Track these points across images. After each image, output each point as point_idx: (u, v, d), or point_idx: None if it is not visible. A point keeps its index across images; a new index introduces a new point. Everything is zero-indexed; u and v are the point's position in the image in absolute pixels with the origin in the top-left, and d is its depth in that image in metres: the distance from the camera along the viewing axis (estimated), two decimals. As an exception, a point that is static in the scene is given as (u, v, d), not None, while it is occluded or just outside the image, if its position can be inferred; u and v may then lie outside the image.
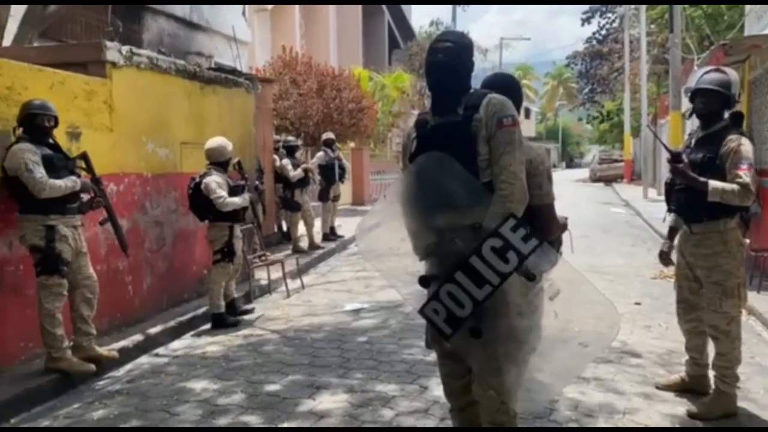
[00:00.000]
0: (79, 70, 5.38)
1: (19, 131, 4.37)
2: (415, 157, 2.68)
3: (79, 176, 4.58)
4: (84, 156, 4.73)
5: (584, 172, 39.27)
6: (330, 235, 10.93)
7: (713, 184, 3.55)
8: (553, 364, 2.71)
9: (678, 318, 4.08)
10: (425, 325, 2.79)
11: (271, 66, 16.20)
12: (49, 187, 4.23)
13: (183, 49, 13.67)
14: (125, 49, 5.80)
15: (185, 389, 4.41)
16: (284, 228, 10.44)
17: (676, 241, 4.07)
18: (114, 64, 5.62)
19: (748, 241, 4.14)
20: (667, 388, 4.11)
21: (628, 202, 18.21)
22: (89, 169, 4.75)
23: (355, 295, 7.25)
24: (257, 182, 7.71)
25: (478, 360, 2.59)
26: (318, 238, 10.41)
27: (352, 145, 18.01)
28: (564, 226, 3.00)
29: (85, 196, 4.65)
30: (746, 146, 3.61)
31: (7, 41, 7.43)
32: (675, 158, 3.72)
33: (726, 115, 3.79)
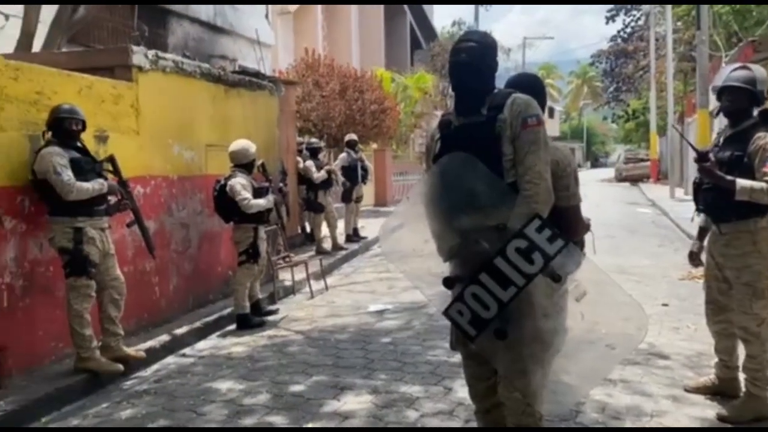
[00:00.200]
0: (106, 74, 5.46)
1: (48, 135, 4.45)
2: (439, 157, 2.67)
3: (106, 179, 4.65)
4: (111, 159, 4.80)
5: (609, 172, 38.83)
6: (353, 236, 10.95)
7: (741, 182, 3.49)
8: (579, 365, 2.68)
9: (707, 319, 4.01)
10: (449, 327, 2.78)
11: (294, 68, 16.29)
12: (77, 190, 4.30)
13: (207, 52, 13.81)
14: (151, 53, 5.88)
15: (211, 389, 4.45)
16: (308, 229, 10.49)
17: (705, 242, 4.01)
18: (140, 68, 5.70)
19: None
20: (696, 390, 4.05)
21: (655, 202, 17.97)
22: (116, 171, 4.82)
23: (379, 296, 7.25)
24: (281, 184, 7.76)
25: (504, 361, 2.58)
26: (341, 239, 10.43)
27: (374, 146, 18.03)
28: (587, 227, 2.97)
29: (112, 199, 4.72)
30: None
31: (37, 47, 7.57)
32: (701, 157, 3.67)
33: (755, 112, 3.72)
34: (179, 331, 5.64)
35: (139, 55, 5.70)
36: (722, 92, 3.75)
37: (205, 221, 6.63)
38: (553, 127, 54.38)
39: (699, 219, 4.00)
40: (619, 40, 31.40)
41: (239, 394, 4.32)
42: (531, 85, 2.89)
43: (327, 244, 9.93)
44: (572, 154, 3.04)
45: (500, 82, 2.83)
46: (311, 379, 4.55)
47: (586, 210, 2.99)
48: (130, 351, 4.84)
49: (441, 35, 34.77)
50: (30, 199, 4.47)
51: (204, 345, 5.63)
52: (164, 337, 5.43)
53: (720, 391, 3.95)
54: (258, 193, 6.10)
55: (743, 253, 3.64)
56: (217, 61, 13.11)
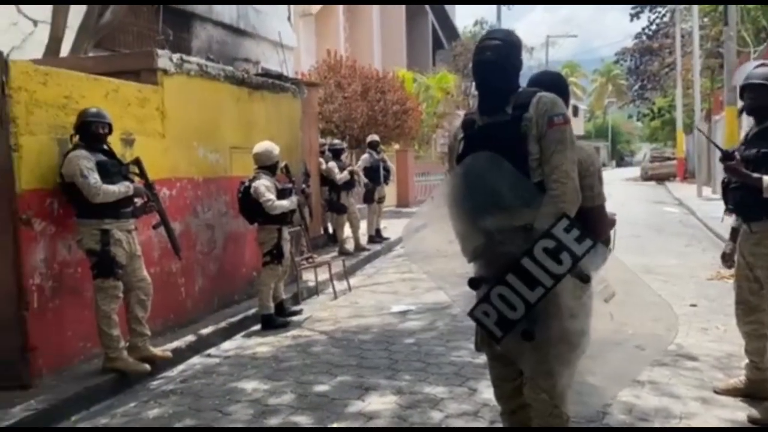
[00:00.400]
0: (132, 78, 5.53)
1: (76, 138, 4.52)
2: (463, 157, 2.65)
3: (132, 181, 4.71)
4: (137, 161, 4.86)
5: (635, 171, 38.38)
6: (375, 237, 10.96)
7: None
8: (606, 366, 2.65)
9: (737, 320, 3.94)
10: (474, 328, 2.77)
11: (316, 70, 16.36)
12: (103, 193, 4.36)
13: (231, 55, 13.94)
14: (176, 56, 5.95)
15: (236, 389, 4.48)
16: (330, 230, 10.52)
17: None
18: (165, 72, 5.76)
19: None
20: (725, 392, 3.98)
21: (682, 201, 17.70)
22: (142, 174, 4.87)
23: (402, 296, 7.25)
24: (303, 185, 7.79)
25: (530, 363, 2.56)
26: (364, 240, 10.45)
27: (396, 146, 18.02)
28: (612, 223, 2.94)
29: (138, 201, 4.78)
30: None
31: (64, 52, 7.71)
32: (726, 156, 3.66)
33: None
34: (205, 331, 5.69)
35: (164, 59, 5.76)
36: (744, 90, 3.74)
37: (229, 222, 6.68)
38: (577, 126, 53.88)
39: (731, 219, 3.94)
40: (644, 38, 30.96)
41: (264, 394, 4.34)
42: (554, 83, 2.87)
43: (350, 245, 9.95)
44: (597, 153, 3.01)
45: (523, 81, 2.81)
46: (335, 380, 4.56)
47: (611, 208, 2.95)
48: (157, 351, 4.89)
49: (463, 35, 34.65)
50: (59, 201, 4.54)
51: (229, 345, 5.67)
52: (190, 338, 5.48)
53: (750, 392, 3.88)
54: (282, 194, 6.14)
55: (774, 252, 3.57)
56: (241, 64, 13.22)
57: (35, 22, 9.00)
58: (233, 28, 14.28)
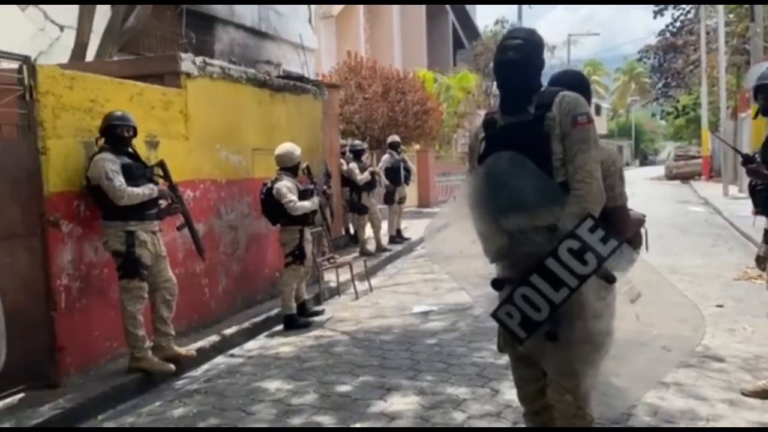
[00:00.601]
0: (156, 81, 5.61)
1: (101, 141, 4.59)
2: (484, 157, 2.64)
3: (156, 183, 4.77)
4: (161, 164, 4.92)
5: (659, 170, 37.89)
6: (396, 237, 10.96)
7: None
8: (631, 368, 2.62)
9: None
10: (496, 328, 2.75)
11: (337, 71, 16.42)
12: (128, 195, 4.43)
13: (253, 57, 14.04)
14: (199, 59, 6.01)
15: (260, 389, 4.52)
16: (351, 231, 10.54)
17: None
18: (188, 75, 5.83)
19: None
20: (753, 394, 3.91)
21: (707, 200, 17.44)
22: (166, 176, 4.93)
23: (423, 297, 7.24)
24: (324, 186, 7.82)
25: (553, 364, 2.54)
26: (385, 240, 10.46)
27: (417, 147, 18.01)
28: (640, 222, 2.91)
29: (162, 203, 4.84)
30: None
31: (90, 56, 7.83)
32: (747, 160, 3.67)
33: None
34: (228, 331, 5.74)
35: (188, 62, 5.83)
36: (758, 91, 3.74)
37: (252, 223, 6.74)
38: (600, 125, 53.38)
39: (764, 221, 3.90)
40: (667, 35, 30.55)
41: (287, 394, 4.37)
42: (575, 82, 2.84)
43: (371, 246, 9.96)
44: (620, 152, 2.99)
45: (544, 80, 2.79)
46: (358, 380, 4.57)
47: (636, 208, 2.92)
48: (181, 350, 4.95)
49: (484, 34, 34.50)
50: (85, 203, 4.62)
51: (252, 345, 5.71)
52: (214, 338, 5.54)
53: (780, 395, 3.82)
54: (303, 195, 6.17)
55: (804, 253, 3.52)
56: (262, 66, 13.33)
57: (62, 27, 9.16)
58: (255, 30, 14.39)
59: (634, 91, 60.17)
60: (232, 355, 5.43)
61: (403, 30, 25.94)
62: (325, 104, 9.03)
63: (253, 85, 6.89)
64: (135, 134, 4.70)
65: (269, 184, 6.15)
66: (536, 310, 2.37)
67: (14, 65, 4.27)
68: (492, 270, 2.63)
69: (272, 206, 6.12)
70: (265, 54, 14.77)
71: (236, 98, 6.57)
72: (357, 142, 11.41)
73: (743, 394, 3.96)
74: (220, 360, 5.31)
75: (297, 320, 6.19)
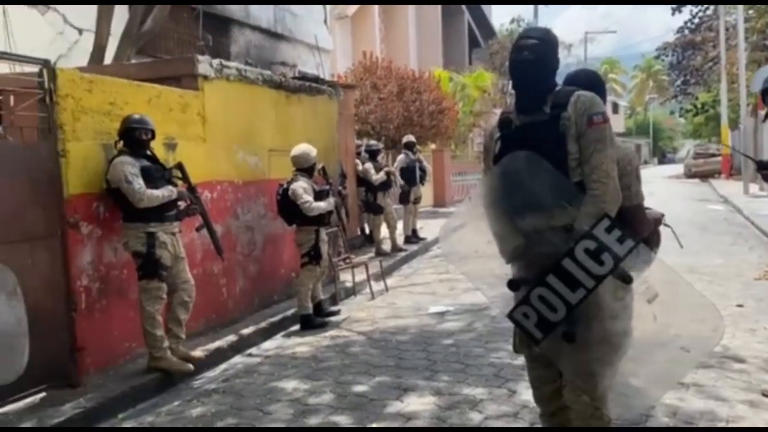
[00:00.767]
0: (173, 83, 5.66)
1: (120, 144, 4.65)
2: (500, 157, 2.64)
3: (175, 185, 4.82)
4: (180, 166, 4.97)
5: (678, 168, 37.49)
6: (412, 237, 10.95)
7: None
8: (649, 368, 2.61)
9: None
10: (512, 329, 2.75)
11: (352, 72, 16.45)
12: (147, 197, 4.47)
13: (268, 59, 14.12)
14: (215, 62, 6.06)
15: (277, 388, 4.54)
16: (367, 231, 10.55)
17: None
18: (206, 77, 5.87)
19: None
20: (775, 396, 3.87)
21: (727, 199, 17.23)
22: (185, 178, 4.97)
23: (440, 297, 7.23)
24: (340, 186, 7.84)
25: (570, 364, 2.53)
26: (400, 240, 10.46)
27: (432, 146, 17.99)
28: (658, 221, 2.88)
29: (181, 204, 4.89)
30: None
31: (108, 59, 7.92)
32: (761, 165, 3.67)
33: None
34: (245, 331, 5.78)
35: (205, 65, 5.87)
36: (765, 95, 3.71)
37: (268, 224, 6.77)
38: (617, 123, 52.93)
39: None
40: (686, 32, 30.23)
41: (304, 394, 4.39)
42: (590, 81, 2.82)
43: (386, 246, 9.97)
44: (638, 150, 2.97)
45: (559, 79, 2.78)
46: (374, 380, 4.58)
47: (655, 207, 2.90)
48: (195, 352, 4.98)
49: (500, 33, 34.39)
50: (104, 205, 4.68)
51: (269, 345, 5.75)
52: (231, 337, 5.58)
53: (802, 396, 3.77)
54: (319, 196, 6.20)
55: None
56: (278, 68, 13.38)
57: (80, 31, 9.28)
58: (270, 32, 14.46)
59: (652, 88, 59.62)
60: (249, 355, 5.47)
61: (419, 30, 25.91)
62: (340, 105, 9.05)
63: (269, 86, 6.92)
64: (153, 137, 4.75)
65: (285, 185, 6.18)
66: (552, 310, 2.36)
67: (34, 69, 4.33)
68: (508, 270, 2.63)
69: (288, 207, 6.15)
70: (280, 55, 14.84)
71: (252, 100, 6.61)
72: (372, 142, 11.42)
73: (764, 394, 3.92)
74: (238, 360, 5.34)
75: (313, 320, 6.21)
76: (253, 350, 5.59)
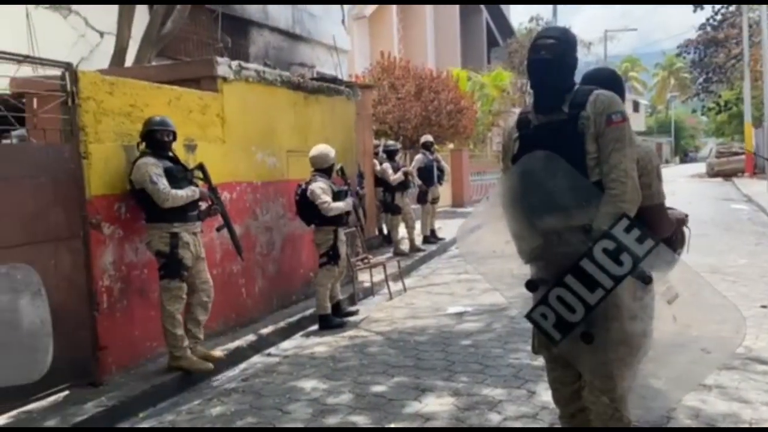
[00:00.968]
0: (192, 85, 5.71)
1: (142, 146, 4.70)
2: (518, 157, 2.63)
3: (197, 186, 4.86)
4: (201, 167, 5.01)
5: (700, 167, 37.01)
6: (430, 237, 10.93)
7: None
8: (669, 370, 2.58)
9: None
10: (531, 329, 2.73)
11: (370, 72, 16.47)
12: (172, 197, 4.52)
13: (287, 60, 14.20)
14: (234, 63, 6.10)
15: (296, 388, 4.56)
16: (385, 231, 10.56)
17: None
18: (225, 79, 5.92)
19: None
20: (800, 398, 3.80)
21: (751, 198, 16.96)
22: (206, 178, 5.01)
23: (458, 298, 7.21)
24: (358, 187, 7.85)
25: (589, 365, 2.51)
26: (419, 240, 10.44)
27: (451, 146, 17.94)
28: (681, 222, 2.85)
29: (203, 204, 4.93)
30: None
31: (129, 62, 8.02)
32: None
33: None
34: (264, 330, 5.82)
35: (224, 66, 5.92)
36: None
37: (287, 224, 6.81)
38: (638, 122, 52.45)
39: None
40: (708, 29, 29.82)
41: (323, 394, 4.41)
42: (608, 79, 2.80)
43: (405, 246, 9.96)
44: (659, 149, 2.94)
45: (578, 78, 2.75)
46: (392, 380, 4.58)
47: (677, 207, 2.86)
48: (214, 352, 5.02)
49: (518, 31, 34.18)
50: (126, 206, 4.73)
51: (288, 345, 5.78)
52: (250, 337, 5.61)
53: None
54: (337, 196, 6.21)
55: None
56: (297, 69, 13.45)
57: (101, 34, 9.41)
58: (289, 33, 14.54)
59: (674, 86, 58.95)
60: (268, 354, 5.50)
61: (437, 29, 25.87)
62: (358, 105, 9.06)
63: (288, 87, 6.96)
64: (175, 138, 4.78)
65: (304, 186, 6.21)
66: (571, 311, 2.34)
67: (57, 72, 4.40)
68: (526, 271, 2.62)
69: (307, 207, 6.17)
70: (298, 56, 14.91)
71: (271, 101, 6.64)
72: (390, 142, 11.42)
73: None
74: (257, 359, 5.38)
75: (332, 320, 6.23)
76: (272, 350, 5.62)
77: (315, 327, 6.22)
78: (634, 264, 2.26)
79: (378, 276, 7.70)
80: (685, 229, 2.92)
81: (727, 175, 28.29)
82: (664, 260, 2.36)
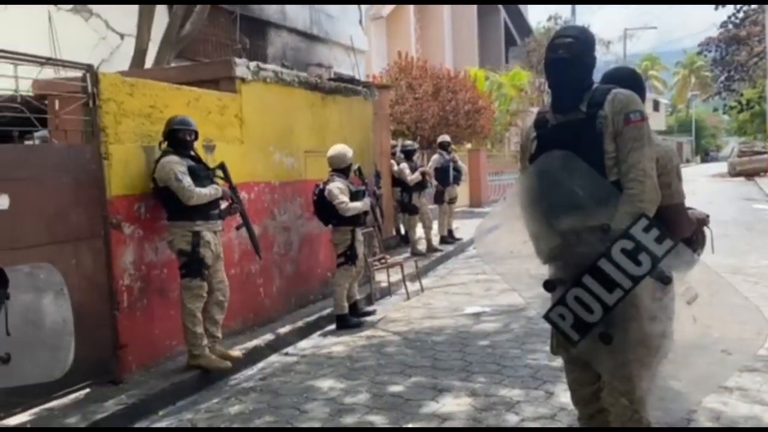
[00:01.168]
0: (211, 86, 5.75)
1: (164, 145, 4.75)
2: (536, 157, 2.61)
3: (218, 185, 4.90)
4: (222, 166, 5.05)
5: (721, 167, 36.53)
6: (448, 237, 10.91)
7: None
8: (689, 371, 2.55)
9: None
10: (550, 330, 2.72)
11: (388, 72, 16.47)
12: (197, 195, 4.57)
13: (304, 61, 14.25)
14: (252, 64, 6.14)
15: (313, 387, 4.58)
16: (402, 231, 10.55)
17: None
18: (243, 80, 5.96)
19: None
20: (824, 401, 3.74)
21: (774, 198, 16.72)
22: (227, 178, 5.05)
23: (476, 298, 7.19)
24: (375, 187, 7.85)
25: (608, 366, 2.49)
26: (436, 240, 10.43)
27: (468, 146, 17.88)
28: (702, 222, 2.81)
29: (223, 203, 4.97)
30: None
31: (149, 63, 8.10)
32: None
33: None
34: (282, 330, 5.85)
35: (242, 67, 5.96)
36: None
37: (305, 224, 6.84)
38: (658, 121, 51.84)
39: None
40: (729, 26, 29.41)
41: (340, 393, 4.42)
42: (628, 78, 2.77)
43: (422, 246, 9.95)
44: (679, 148, 2.91)
45: (597, 77, 2.73)
46: (410, 380, 4.58)
47: (698, 207, 2.83)
48: (232, 351, 5.05)
49: (536, 30, 33.97)
50: (146, 206, 4.79)
51: (306, 344, 5.80)
52: (268, 336, 5.65)
53: None
54: (355, 196, 6.22)
55: None
56: (314, 69, 13.50)
57: (122, 36, 9.52)
58: (306, 34, 14.60)
59: (695, 85, 58.25)
60: (286, 354, 5.53)
61: (454, 29, 25.82)
62: (375, 105, 9.07)
63: (305, 88, 6.99)
64: (196, 138, 4.83)
65: (321, 186, 6.23)
66: (589, 311, 2.33)
67: (78, 74, 4.46)
68: (544, 271, 2.60)
69: (324, 207, 6.19)
70: (316, 57, 14.96)
71: (289, 101, 6.67)
72: (408, 142, 11.41)
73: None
74: (275, 358, 5.40)
75: (349, 320, 6.25)
76: (290, 349, 5.64)
77: (332, 327, 6.24)
78: (653, 264, 2.23)
79: (395, 276, 7.70)
80: (706, 229, 2.89)
81: (749, 174, 27.90)
82: (683, 260, 2.33)
